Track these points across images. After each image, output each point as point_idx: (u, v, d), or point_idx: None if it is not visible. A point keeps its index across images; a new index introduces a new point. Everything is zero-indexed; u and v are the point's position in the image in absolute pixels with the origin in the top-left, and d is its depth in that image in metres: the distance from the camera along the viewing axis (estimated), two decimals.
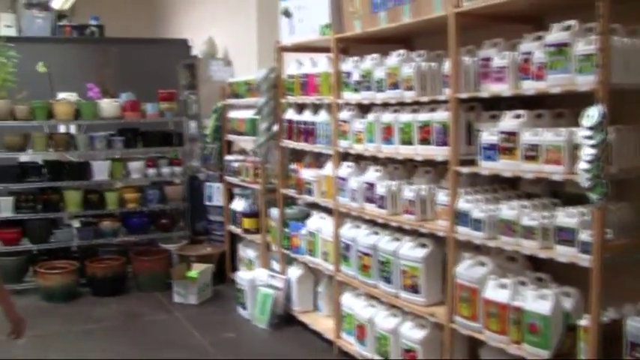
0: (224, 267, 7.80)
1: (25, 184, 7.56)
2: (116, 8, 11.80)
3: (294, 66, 6.26)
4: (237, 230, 7.48)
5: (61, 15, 11.22)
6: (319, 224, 5.93)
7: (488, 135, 4.10)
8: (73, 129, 8.37)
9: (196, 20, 10.56)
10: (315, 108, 6.01)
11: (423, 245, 4.71)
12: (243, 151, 7.87)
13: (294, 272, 6.36)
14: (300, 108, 6.25)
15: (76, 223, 8.05)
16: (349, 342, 5.49)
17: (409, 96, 4.68)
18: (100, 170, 7.73)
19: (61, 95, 8.08)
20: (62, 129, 8.43)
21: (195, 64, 9.20)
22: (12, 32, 10.46)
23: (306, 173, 6.05)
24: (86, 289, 7.52)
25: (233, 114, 7.61)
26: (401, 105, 4.86)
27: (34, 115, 7.50)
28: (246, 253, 7.41)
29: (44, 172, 7.67)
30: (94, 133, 7.81)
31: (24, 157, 7.97)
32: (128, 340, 6.15)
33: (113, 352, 5.88)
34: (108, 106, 7.73)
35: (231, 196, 7.73)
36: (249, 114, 7.10)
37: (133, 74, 9.16)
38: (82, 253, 7.84)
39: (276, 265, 6.70)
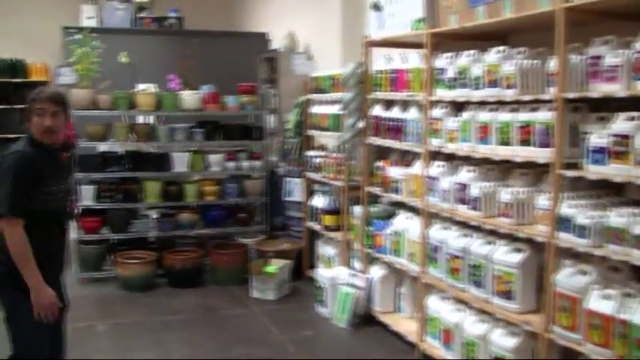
0: (301, 263, 7.70)
1: (107, 173, 7.60)
2: (195, 1, 11.81)
3: (382, 61, 6.12)
4: (317, 227, 7.38)
5: (140, 7, 11.31)
6: (406, 224, 5.79)
7: (597, 137, 3.89)
8: (151, 120, 8.40)
9: (275, 14, 10.51)
10: (405, 105, 5.87)
11: (519, 250, 4.53)
12: (322, 147, 7.77)
13: (377, 272, 6.23)
14: (388, 104, 6.11)
15: (155, 214, 8.07)
16: (434, 345, 5.34)
17: (509, 94, 4.49)
18: (180, 162, 7.72)
19: (141, 86, 8.11)
20: (141, 119, 8.45)
21: (275, 58, 9.13)
22: (93, 23, 10.57)
23: (394, 171, 5.90)
24: (163, 280, 7.54)
25: (316, 109, 7.50)
26: (499, 104, 4.68)
27: (117, 105, 7.54)
28: (325, 250, 7.31)
29: (125, 162, 7.70)
30: (174, 125, 7.81)
31: (103, 147, 8.02)
32: (206, 333, 6.11)
33: (192, 344, 5.86)
34: (189, 97, 7.71)
35: (310, 192, 7.63)
36: (333, 109, 6.99)
37: (211, 67, 9.15)
38: (160, 244, 7.86)
39: (357, 264, 6.58)
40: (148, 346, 5.82)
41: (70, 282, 7.53)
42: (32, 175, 3.57)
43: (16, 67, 11.50)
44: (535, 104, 4.38)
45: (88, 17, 11.03)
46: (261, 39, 10.55)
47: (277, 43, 9.73)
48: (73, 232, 8.35)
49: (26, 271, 3.55)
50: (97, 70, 7.51)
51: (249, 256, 7.65)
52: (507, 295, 4.52)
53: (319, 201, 7.36)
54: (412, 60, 5.70)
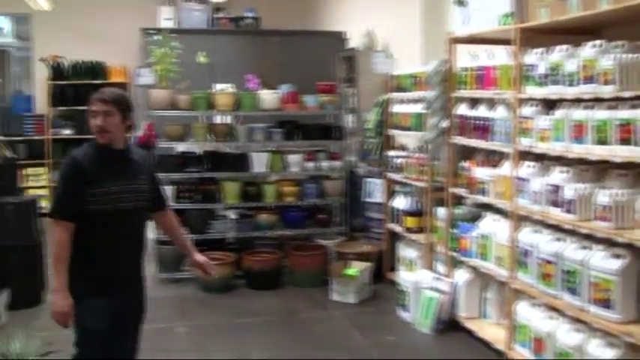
0: (382, 266, 7.53)
1: (185, 174, 7.59)
2: (271, 1, 11.75)
3: (467, 58, 5.91)
4: (398, 229, 7.20)
5: (217, 8, 11.34)
6: (493, 227, 5.56)
7: None
8: (228, 120, 8.36)
9: (352, 12, 10.37)
10: (491, 103, 5.65)
11: (618, 256, 4.27)
12: (402, 147, 7.59)
13: (462, 276, 6.02)
14: (473, 103, 5.90)
15: (233, 215, 8.02)
16: (523, 354, 5.10)
17: (608, 91, 4.24)
18: (259, 162, 7.65)
19: (219, 86, 8.07)
20: (218, 119, 8.42)
21: (353, 57, 8.99)
22: (170, 25, 10.64)
23: (481, 172, 5.68)
24: (242, 282, 7.48)
25: (397, 108, 7.33)
26: (595, 101, 4.43)
27: (195, 105, 7.52)
28: (406, 252, 7.12)
29: (204, 163, 7.66)
30: (253, 125, 7.74)
31: (182, 147, 8.02)
32: (286, 337, 6.02)
33: (271, 347, 5.78)
34: (268, 97, 7.63)
35: (391, 193, 7.45)
36: (415, 108, 6.81)
37: (289, 66, 9.10)
38: (239, 245, 7.81)
39: (440, 267, 6.38)
40: (227, 348, 5.75)
41: (149, 283, 7.58)
42: (81, 178, 3.62)
43: (97, 69, 11.65)
44: (636, 101, 4.12)
45: (165, 19, 11.14)
46: (338, 38, 10.44)
47: (355, 41, 9.59)
48: (152, 232, 8.41)
49: (54, 272, 3.63)
50: (175, 71, 7.51)
51: (329, 258, 7.52)
52: (606, 303, 4.27)
53: (400, 202, 7.19)
54: (499, 56, 5.47)
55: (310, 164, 7.86)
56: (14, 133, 11.06)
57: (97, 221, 3.65)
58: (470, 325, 5.89)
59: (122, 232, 3.75)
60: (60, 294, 3.60)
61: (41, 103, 11.84)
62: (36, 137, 11.47)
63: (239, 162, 7.69)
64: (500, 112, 5.43)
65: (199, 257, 4.17)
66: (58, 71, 11.55)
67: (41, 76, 11.81)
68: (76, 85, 11.36)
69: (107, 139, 3.72)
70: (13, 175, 7.65)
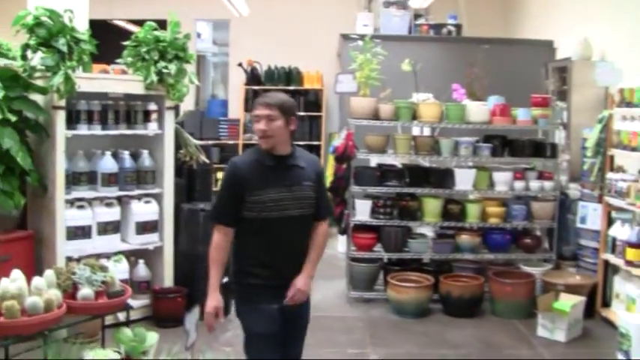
0: (594, 300, 6.74)
1: (383, 187, 7.14)
2: (473, 7, 11.15)
3: None
4: (616, 261, 6.39)
5: (417, 14, 10.91)
6: None
7: None
8: (426, 131, 7.86)
9: (562, 19, 9.55)
10: None
11: None
12: (620, 169, 6.78)
13: None
14: None
15: (431, 234, 7.50)
16: None
17: None
18: (464, 179, 7.07)
19: (420, 96, 7.57)
20: (415, 131, 7.92)
21: (566, 67, 8.23)
22: (368, 31, 10.30)
23: None
24: (438, 307, 6.96)
25: (623, 125, 6.52)
26: None
27: (398, 115, 7.07)
28: (625, 288, 6.31)
29: (403, 177, 7.20)
30: (458, 138, 7.18)
31: (380, 159, 7.61)
32: None
33: None
34: (476, 109, 7.05)
35: (610, 220, 6.66)
36: None
37: (495, 76, 8.41)
38: (436, 267, 7.30)
39: None
40: None
41: (338, 300, 7.31)
42: (240, 184, 3.67)
43: (291, 75, 11.59)
44: None
45: (363, 25, 10.82)
46: (547, 46, 9.67)
47: (567, 50, 8.80)
48: (342, 247, 8.08)
49: (209, 274, 3.74)
50: (377, 78, 7.10)
51: (535, 287, 6.83)
52: None
53: (621, 231, 6.38)
54: None
55: (518, 183, 7.17)
56: (209, 137, 11.14)
57: (259, 228, 3.68)
58: None
59: (286, 239, 3.73)
60: (210, 294, 3.72)
61: (235, 108, 11.97)
62: (230, 142, 11.53)
63: (441, 178, 7.15)
64: None
65: (299, 282, 3.79)
66: (253, 76, 11.60)
67: (236, 80, 11.94)
68: (270, 90, 11.25)
69: (270, 144, 3.70)
70: (207, 181, 7.54)
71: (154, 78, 6.21)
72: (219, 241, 3.73)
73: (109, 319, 5.08)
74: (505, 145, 7.27)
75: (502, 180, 7.15)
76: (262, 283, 3.73)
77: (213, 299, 3.73)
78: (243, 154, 3.91)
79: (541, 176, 7.26)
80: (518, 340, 6.24)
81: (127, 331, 3.99)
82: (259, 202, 3.66)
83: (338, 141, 7.33)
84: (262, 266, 3.73)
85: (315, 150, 11.48)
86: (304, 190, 3.77)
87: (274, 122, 3.67)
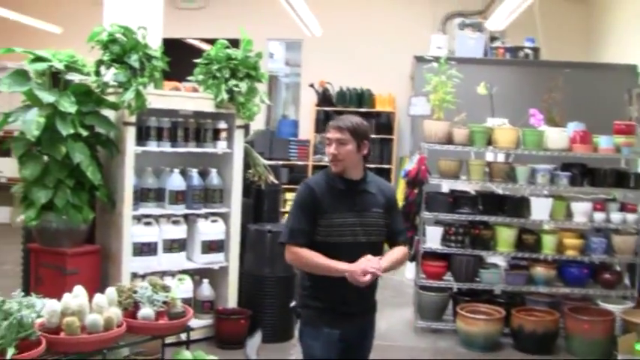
0: None
1: (456, 214, 6.90)
2: (552, 30, 10.84)
3: None
4: None
5: (493, 37, 10.67)
6: None
7: None
8: (500, 157, 7.60)
9: None
10: None
11: None
12: None
13: None
14: None
15: (504, 265, 7.22)
16: None
17: None
18: (540, 208, 6.76)
19: (495, 121, 7.31)
20: (490, 157, 7.65)
21: None
22: (442, 53, 10.09)
23: None
24: (508, 341, 6.67)
25: None
26: None
27: (473, 140, 6.83)
28: None
29: (477, 204, 6.95)
30: (535, 165, 6.90)
31: (452, 185, 7.38)
32: None
33: None
34: (555, 136, 6.76)
35: None
36: None
37: (574, 101, 8.15)
38: (507, 299, 7.01)
39: None
40: None
41: (405, 329, 7.09)
42: (310, 207, 3.62)
43: (364, 97, 11.49)
44: None
45: (437, 47, 10.63)
46: (631, 71, 9.29)
47: None
48: (411, 274, 7.86)
49: (331, 271, 3.55)
50: (452, 101, 6.89)
51: (614, 326, 6.48)
52: None
53: None
54: None
55: (598, 215, 6.80)
56: (278, 157, 11.07)
57: (327, 252, 3.58)
58: None
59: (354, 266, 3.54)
60: (346, 270, 3.50)
61: (306, 129, 11.91)
62: (299, 162, 11.46)
63: (516, 206, 6.86)
64: None
65: (363, 262, 3.54)
66: (324, 97, 11.54)
67: (307, 101, 11.91)
68: (341, 112, 11.16)
69: (340, 168, 3.66)
70: (276, 202, 7.45)
71: (225, 96, 6.17)
72: (303, 253, 3.59)
73: (170, 338, 5.01)
74: (585, 173, 6.93)
75: (581, 210, 6.81)
76: (326, 307, 3.66)
77: (348, 268, 3.50)
78: (315, 176, 3.81)
79: (623, 208, 6.90)
80: None
81: (186, 353, 3.90)
82: (328, 226, 3.61)
83: (410, 165, 7.15)
84: (328, 291, 3.65)
85: (385, 173, 11.32)
86: (372, 217, 3.68)
87: (345, 146, 3.62)
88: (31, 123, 5.24)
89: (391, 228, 3.78)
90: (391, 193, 3.86)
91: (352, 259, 3.55)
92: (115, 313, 3.58)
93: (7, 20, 10.83)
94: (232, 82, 6.23)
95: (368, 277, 3.49)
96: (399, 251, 3.80)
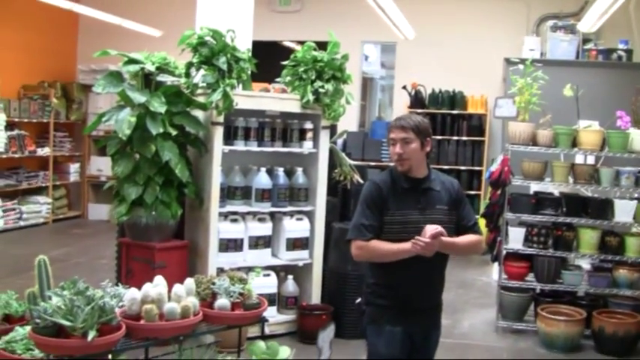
0: None
1: (539, 216, 6.93)
2: None
3: None
4: None
5: (586, 38, 10.56)
6: None
7: None
8: (590, 160, 7.56)
9: None
10: None
11: None
12: None
13: None
14: None
15: (586, 266, 7.20)
16: None
17: None
18: (623, 210, 6.72)
19: (583, 123, 7.29)
20: (579, 159, 7.63)
21: None
22: (535, 55, 10.13)
23: None
24: (589, 343, 6.66)
25: None
26: None
27: (557, 141, 6.84)
28: None
29: (560, 206, 6.96)
30: (620, 168, 6.86)
31: (536, 187, 7.40)
32: None
33: None
34: None
35: None
36: None
37: None
38: (590, 301, 6.99)
39: None
40: None
41: (487, 328, 7.16)
42: (377, 203, 3.69)
43: (456, 99, 11.54)
44: None
45: (530, 49, 10.67)
46: None
47: None
48: (497, 275, 7.90)
49: (398, 253, 3.61)
50: (537, 103, 6.91)
51: None
52: None
53: None
54: None
55: None
56: (371, 158, 11.25)
57: None
58: None
59: (418, 263, 3.62)
60: (410, 250, 3.56)
61: None
62: (391, 163, 11.50)
63: (600, 208, 6.83)
64: None
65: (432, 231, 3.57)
66: (417, 99, 11.64)
67: (401, 103, 12.01)
68: (434, 114, 11.32)
69: (406, 167, 3.73)
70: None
71: (311, 97, 6.36)
72: (371, 245, 3.66)
73: (252, 332, 5.23)
74: None
75: None
76: (390, 305, 3.74)
77: (411, 245, 3.54)
78: (381, 174, 3.90)
79: None
80: None
81: (261, 344, 4.10)
82: (394, 224, 3.68)
83: (494, 166, 7.21)
84: (392, 288, 3.74)
85: (476, 175, 11.36)
86: (437, 214, 3.73)
87: (410, 145, 3.70)
88: (123, 122, 5.58)
89: (461, 223, 3.83)
90: (457, 190, 3.90)
91: (418, 256, 3.59)
92: (192, 302, 3.78)
93: (109, 24, 11.40)
94: (318, 83, 6.41)
95: (431, 239, 3.51)
96: (470, 236, 3.82)
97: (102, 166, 12.20)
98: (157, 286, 3.70)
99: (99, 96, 12.23)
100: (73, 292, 3.19)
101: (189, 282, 3.91)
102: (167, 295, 3.72)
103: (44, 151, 11.97)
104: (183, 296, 3.76)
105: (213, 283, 4.07)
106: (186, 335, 3.73)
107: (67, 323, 3.12)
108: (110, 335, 3.30)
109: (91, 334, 3.13)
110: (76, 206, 12.89)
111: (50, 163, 12.07)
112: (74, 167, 12.68)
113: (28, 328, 3.38)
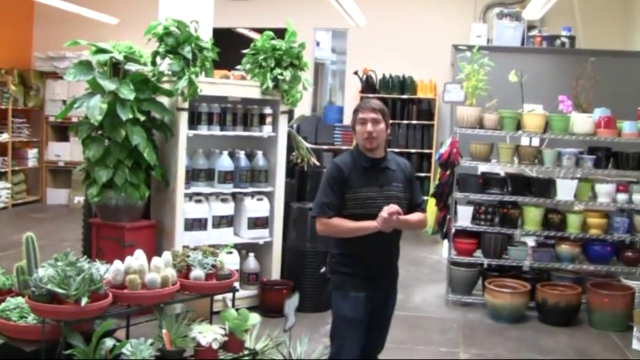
0: None
1: (486, 195, 7.35)
2: (588, 19, 11.11)
3: None
4: None
5: (531, 25, 11.00)
6: None
7: None
8: (534, 142, 8.00)
9: None
10: None
11: None
12: None
13: None
14: None
15: (531, 242, 7.64)
16: None
17: None
18: (565, 189, 7.16)
19: (527, 107, 7.70)
20: (524, 141, 8.06)
21: None
22: (482, 42, 10.52)
23: None
24: (533, 314, 7.10)
25: None
26: None
27: (502, 125, 7.25)
28: None
29: (506, 185, 7.38)
30: (562, 149, 7.29)
31: (483, 167, 7.80)
32: None
33: None
34: (580, 121, 7.12)
35: None
36: None
37: (604, 89, 8.44)
38: (534, 275, 7.44)
39: None
40: None
41: (438, 302, 7.56)
42: (340, 182, 4.05)
43: (406, 84, 11.85)
44: None
45: (477, 36, 11.06)
46: None
47: None
48: (445, 253, 8.31)
49: (361, 230, 4.00)
50: (483, 88, 7.30)
51: (633, 301, 6.86)
52: None
53: None
54: None
55: (622, 196, 7.16)
56: (324, 142, 11.53)
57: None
58: None
59: (377, 234, 3.99)
60: (374, 227, 3.95)
61: (350, 115, 12.17)
62: (343, 147, 11.86)
63: (543, 187, 7.26)
64: None
65: (385, 209, 3.96)
66: (368, 84, 11.92)
67: (353, 88, 12.30)
68: (384, 98, 11.59)
69: (374, 145, 4.08)
70: (317, 182, 7.75)
71: (270, 84, 6.65)
72: (333, 222, 4.03)
73: (218, 306, 5.52)
74: (609, 157, 7.32)
75: (604, 192, 7.17)
76: (353, 273, 4.10)
77: (376, 222, 3.93)
78: (341, 156, 4.26)
79: None
80: (611, 351, 6.30)
81: (232, 311, 4.41)
82: (356, 200, 4.05)
83: (443, 148, 7.57)
84: (355, 258, 4.10)
85: (426, 158, 11.76)
86: (393, 190, 4.12)
87: (379, 125, 4.08)
88: (95, 109, 5.83)
89: (412, 200, 4.24)
90: (409, 169, 4.32)
91: (377, 232, 4.00)
92: (171, 272, 4.12)
93: (65, 12, 11.45)
94: (277, 70, 6.69)
95: (394, 215, 3.91)
96: (418, 214, 4.25)
97: (60, 152, 12.31)
98: (138, 258, 4.00)
99: (56, 82, 12.42)
100: (65, 263, 3.47)
101: (167, 255, 4.22)
102: (147, 267, 4.02)
103: (3, 137, 12.02)
104: (162, 267, 4.06)
105: (188, 256, 4.37)
106: (166, 303, 4.05)
107: (61, 291, 3.42)
108: (99, 302, 3.63)
109: (84, 300, 3.46)
110: (34, 191, 12.94)
111: (9, 148, 12.13)
112: (32, 153, 12.71)
113: (19, 298, 3.68)
